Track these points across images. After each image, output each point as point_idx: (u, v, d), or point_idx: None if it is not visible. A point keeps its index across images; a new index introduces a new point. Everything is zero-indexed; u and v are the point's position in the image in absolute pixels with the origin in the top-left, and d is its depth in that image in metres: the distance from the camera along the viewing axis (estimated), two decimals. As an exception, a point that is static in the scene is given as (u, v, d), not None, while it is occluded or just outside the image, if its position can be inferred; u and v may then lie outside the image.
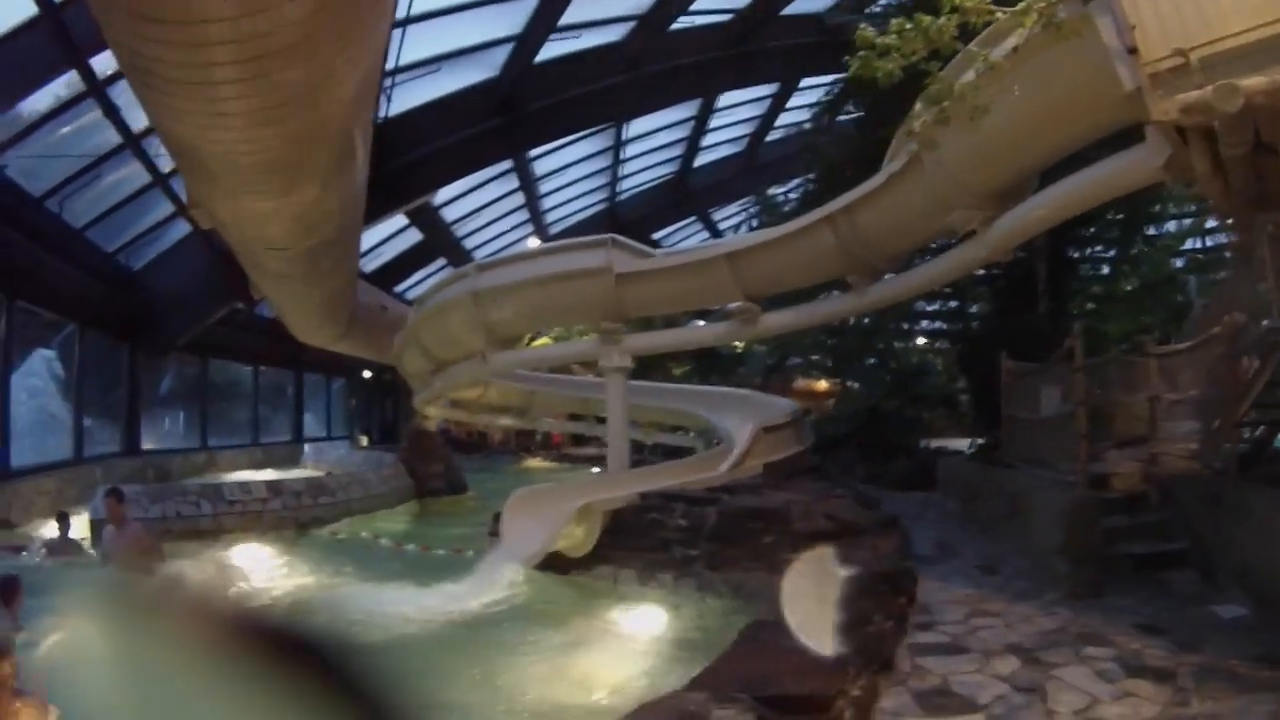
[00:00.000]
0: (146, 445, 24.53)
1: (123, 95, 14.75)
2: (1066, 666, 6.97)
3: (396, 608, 10.89)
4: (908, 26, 6.55)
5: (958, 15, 6.59)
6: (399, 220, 25.55)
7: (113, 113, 15.30)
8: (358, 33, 8.39)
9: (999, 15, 6.75)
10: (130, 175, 18.25)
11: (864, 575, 8.45)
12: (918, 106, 9.11)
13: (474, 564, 13.13)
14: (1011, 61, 7.02)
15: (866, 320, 20.83)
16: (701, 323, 23.77)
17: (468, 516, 20.63)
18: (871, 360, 26.45)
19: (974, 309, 21.19)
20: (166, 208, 19.77)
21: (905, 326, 25.74)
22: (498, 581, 11.53)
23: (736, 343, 29.77)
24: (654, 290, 13.05)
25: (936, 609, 8.93)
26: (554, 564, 12.00)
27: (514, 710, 7.81)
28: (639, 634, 9.85)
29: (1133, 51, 6.42)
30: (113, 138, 16.47)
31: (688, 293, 13.28)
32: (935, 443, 24.27)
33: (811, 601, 7.60)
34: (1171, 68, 6.26)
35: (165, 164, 17.01)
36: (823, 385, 36.97)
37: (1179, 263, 20.44)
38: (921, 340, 28.82)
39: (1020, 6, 6.69)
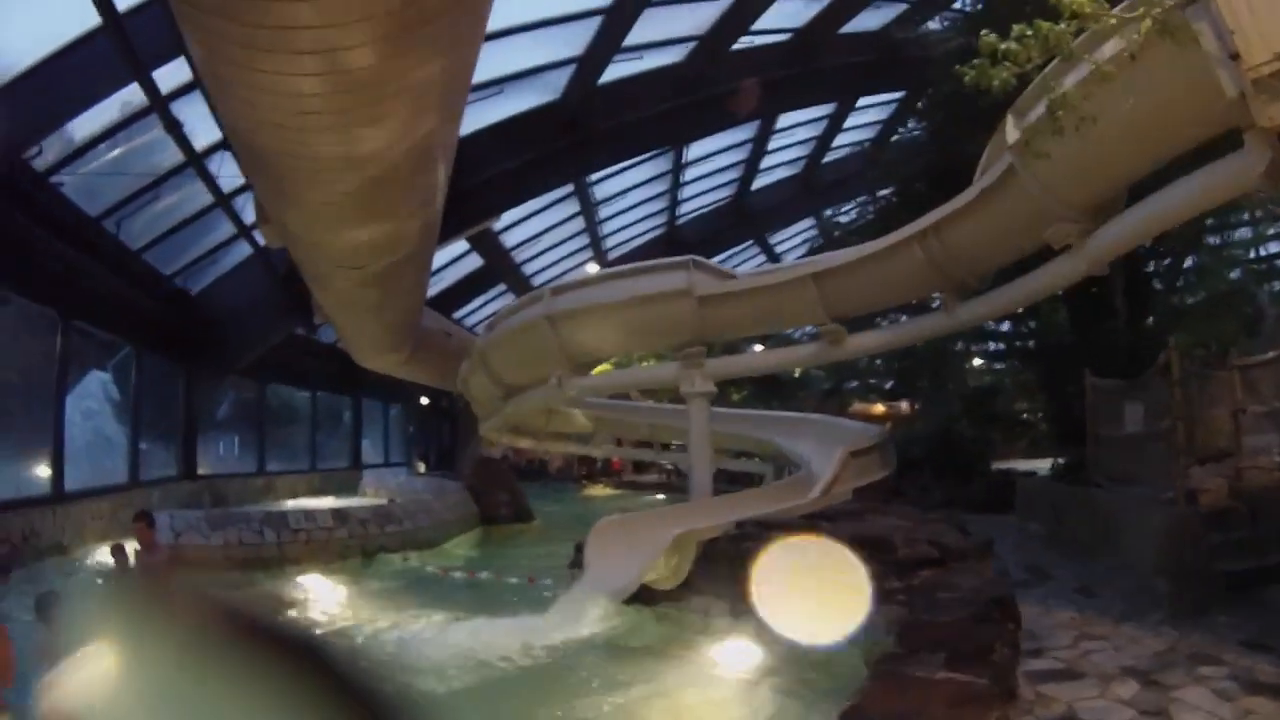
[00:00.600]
0: (203, 469, 24.34)
1: (184, 111, 14.65)
2: (1185, 687, 7.01)
3: (473, 642, 10.68)
4: (1028, 33, 6.37)
5: (1076, 21, 6.42)
6: (459, 245, 25.43)
7: (175, 128, 14.89)
8: (448, 39, 8.32)
9: (1113, 21, 6.55)
10: (190, 195, 18.16)
11: (977, 602, 8.21)
12: (1009, 118, 8.94)
13: (547, 594, 12.97)
14: (1117, 67, 6.77)
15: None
16: (759, 347, 23.62)
17: (535, 544, 20.63)
18: (934, 382, 26.17)
19: (1034, 325, 20.86)
20: (227, 229, 19.71)
21: (970, 348, 25.48)
22: (584, 615, 11.13)
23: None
24: (737, 312, 12.81)
25: (1042, 634, 8.89)
26: (640, 595, 11.50)
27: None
28: (734, 670, 9.42)
29: (1234, 57, 6.21)
30: (171, 158, 16.26)
31: (771, 314, 13.09)
32: (1002, 465, 23.99)
33: (927, 631, 7.40)
34: (1273, 72, 6.06)
35: (227, 184, 17.10)
36: (879, 409, 36.66)
37: (1236, 272, 20.03)
38: (978, 361, 28.52)
39: (1125, 8, 6.51)
